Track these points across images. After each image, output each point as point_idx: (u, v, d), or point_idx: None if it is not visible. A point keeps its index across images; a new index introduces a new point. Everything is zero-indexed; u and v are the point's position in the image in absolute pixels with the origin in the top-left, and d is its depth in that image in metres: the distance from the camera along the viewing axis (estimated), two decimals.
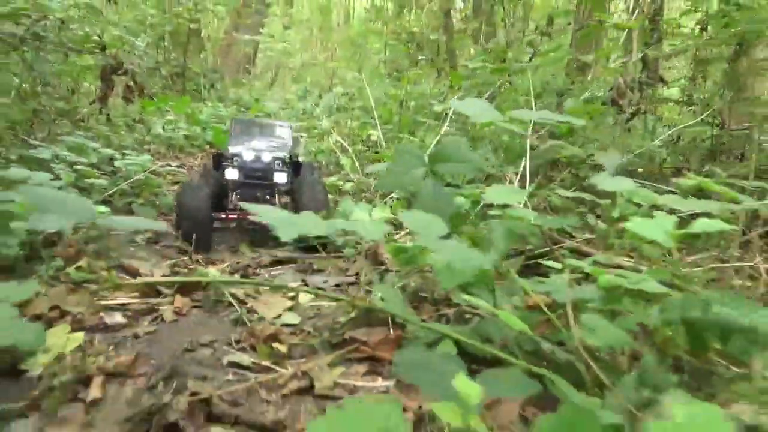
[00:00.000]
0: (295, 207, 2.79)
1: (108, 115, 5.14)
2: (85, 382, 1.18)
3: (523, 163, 2.32)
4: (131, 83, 4.94)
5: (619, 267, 1.53)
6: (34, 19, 3.81)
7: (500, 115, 1.48)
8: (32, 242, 1.85)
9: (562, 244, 2.06)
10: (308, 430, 0.68)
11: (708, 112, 3.13)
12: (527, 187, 2.18)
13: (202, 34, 12.63)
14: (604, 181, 1.72)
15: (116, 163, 3.22)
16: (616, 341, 1.10)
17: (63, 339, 1.29)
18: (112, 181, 3.04)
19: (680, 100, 4.44)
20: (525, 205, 1.91)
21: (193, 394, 1.16)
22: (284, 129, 3.48)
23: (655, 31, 3.24)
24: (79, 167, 2.90)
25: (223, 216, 2.80)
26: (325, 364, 1.36)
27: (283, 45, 17.79)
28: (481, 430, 0.83)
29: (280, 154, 3.00)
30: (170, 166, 4.68)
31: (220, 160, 3.07)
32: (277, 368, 1.36)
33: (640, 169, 2.85)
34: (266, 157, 2.93)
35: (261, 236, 2.88)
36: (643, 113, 3.09)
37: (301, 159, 3.50)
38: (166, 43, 10.52)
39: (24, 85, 3.96)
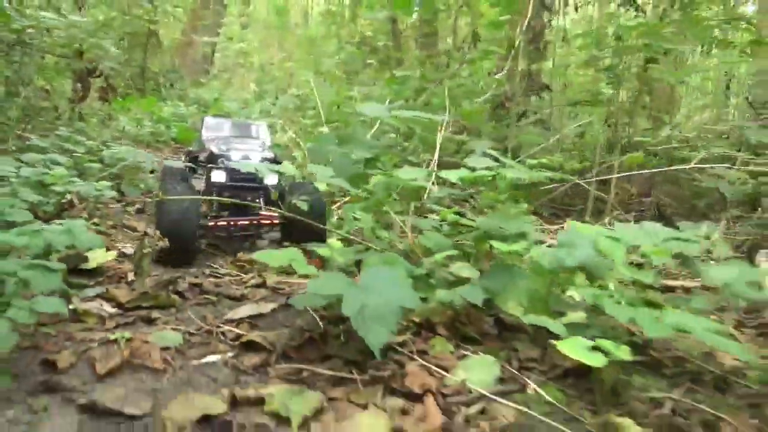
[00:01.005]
0: (288, 209, 2.51)
1: (80, 112, 5.77)
2: (124, 276, 1.95)
3: (436, 152, 3.13)
4: (105, 85, 5.61)
5: (460, 214, 2.36)
6: (23, 27, 4.45)
7: (387, 113, 2.28)
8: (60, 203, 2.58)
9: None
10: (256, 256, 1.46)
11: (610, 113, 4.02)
12: (433, 168, 3.00)
13: (160, 35, 13.12)
14: (471, 161, 2.57)
15: (103, 153, 3.89)
16: (441, 245, 1.93)
17: (102, 255, 2.04)
18: (101, 168, 3.72)
19: (584, 102, 5.40)
20: (433, 183, 2.73)
21: (190, 283, 1.95)
22: (261, 128, 3.29)
23: (537, 47, 4.12)
24: (76, 154, 3.59)
25: (211, 224, 2.54)
26: (272, 272, 2.15)
27: (240, 45, 18.35)
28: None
29: (268, 154, 2.80)
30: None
31: (194, 159, 2.88)
32: (242, 274, 2.15)
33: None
34: (254, 158, 2.69)
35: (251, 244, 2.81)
36: (533, 113, 3.99)
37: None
38: (126, 44, 11.01)
39: (12, 87, 4.58)
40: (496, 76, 3.83)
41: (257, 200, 2.69)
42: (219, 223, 2.55)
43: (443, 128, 3.08)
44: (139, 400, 1.15)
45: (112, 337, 1.42)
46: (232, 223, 2.58)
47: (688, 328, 1.29)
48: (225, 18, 18.22)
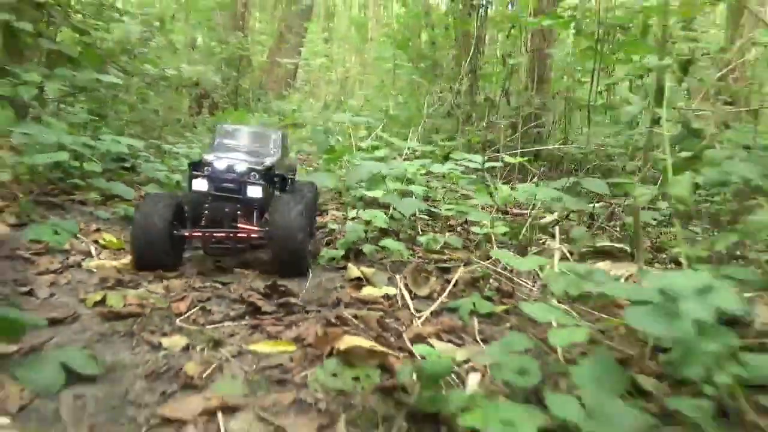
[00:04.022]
0: (269, 227, 2.47)
1: (194, 123, 8.38)
2: None
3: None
4: (211, 102, 8.20)
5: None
6: (162, 69, 7.06)
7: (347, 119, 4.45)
8: None
9: None
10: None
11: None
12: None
13: (251, 58, 15.97)
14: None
15: None
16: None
17: None
18: None
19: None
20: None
21: None
22: (274, 137, 3.18)
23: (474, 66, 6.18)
24: (195, 150, 6.04)
25: (186, 233, 2.52)
26: None
27: (321, 61, 21.13)
28: None
29: (259, 165, 2.68)
30: None
31: (195, 169, 2.70)
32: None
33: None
34: (240, 167, 2.62)
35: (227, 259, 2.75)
36: (479, 117, 6.03)
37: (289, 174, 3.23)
38: (224, 68, 13.90)
39: (155, 107, 7.19)
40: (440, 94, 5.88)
41: (237, 212, 2.61)
42: (194, 234, 2.53)
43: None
44: None
45: None
46: (206, 234, 2.54)
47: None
48: (306, 38, 21.00)
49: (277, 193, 2.89)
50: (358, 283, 2.37)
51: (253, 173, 2.64)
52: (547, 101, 6.54)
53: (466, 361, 1.62)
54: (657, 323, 1.05)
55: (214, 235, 2.56)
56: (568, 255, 2.21)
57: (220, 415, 1.28)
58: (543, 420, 1.07)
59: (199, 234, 2.55)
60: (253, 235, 2.55)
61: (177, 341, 1.68)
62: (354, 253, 2.76)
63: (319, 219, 3.74)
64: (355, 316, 1.93)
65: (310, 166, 6.34)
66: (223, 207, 2.60)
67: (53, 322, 1.71)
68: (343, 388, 1.43)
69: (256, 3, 21.64)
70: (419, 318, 1.97)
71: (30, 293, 1.95)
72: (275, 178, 2.83)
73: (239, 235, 2.55)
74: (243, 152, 2.92)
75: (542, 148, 5.03)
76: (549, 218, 4.01)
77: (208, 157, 2.68)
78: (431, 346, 1.71)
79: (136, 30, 5.97)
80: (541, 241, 3.43)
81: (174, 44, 10.18)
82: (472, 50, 5.74)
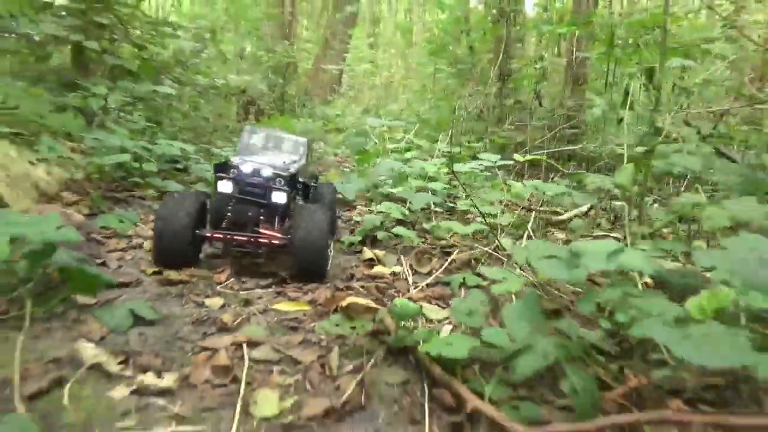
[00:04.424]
0: (292, 234, 2.47)
1: (241, 129, 8.98)
2: None
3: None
4: (257, 109, 8.77)
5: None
6: (212, 79, 7.66)
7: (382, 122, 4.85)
8: None
9: None
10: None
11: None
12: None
13: (297, 65, 16.64)
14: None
15: None
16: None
17: None
18: None
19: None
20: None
21: None
22: (299, 144, 3.25)
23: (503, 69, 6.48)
24: None
25: (208, 234, 2.55)
26: None
27: (365, 67, 21.66)
28: None
29: (284, 172, 2.73)
30: None
31: (220, 171, 2.73)
32: None
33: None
34: (266, 172, 2.66)
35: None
36: (509, 120, 6.33)
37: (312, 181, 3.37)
38: (270, 75, 14.58)
39: (205, 114, 7.80)
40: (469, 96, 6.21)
41: (260, 217, 2.65)
42: (215, 235, 2.55)
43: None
44: None
45: None
46: (228, 236, 2.54)
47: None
48: (350, 44, 21.58)
49: (299, 199, 2.95)
50: (371, 263, 2.78)
51: (278, 179, 2.67)
52: (584, 103, 6.79)
53: (446, 318, 2.01)
54: (560, 271, 1.41)
55: (236, 238, 2.53)
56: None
57: (245, 346, 1.71)
58: (476, 343, 1.45)
59: (221, 236, 2.55)
60: (274, 242, 2.53)
61: (216, 301, 2.13)
62: (370, 240, 3.16)
63: (347, 213, 4.16)
64: (362, 287, 2.35)
65: (346, 167, 6.79)
66: (247, 210, 2.62)
67: (121, 285, 2.20)
68: (342, 333, 1.83)
69: (303, 11, 22.44)
70: (415, 288, 2.36)
71: (103, 264, 2.45)
72: (298, 185, 2.87)
73: (261, 240, 2.53)
74: (269, 157, 2.97)
75: (564, 149, 5.32)
76: (567, 215, 4.30)
77: (235, 159, 2.73)
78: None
79: (188, 44, 6.55)
80: (550, 233, 3.75)
81: (224, 54, 10.89)
82: (501, 54, 6.08)
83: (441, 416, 1.38)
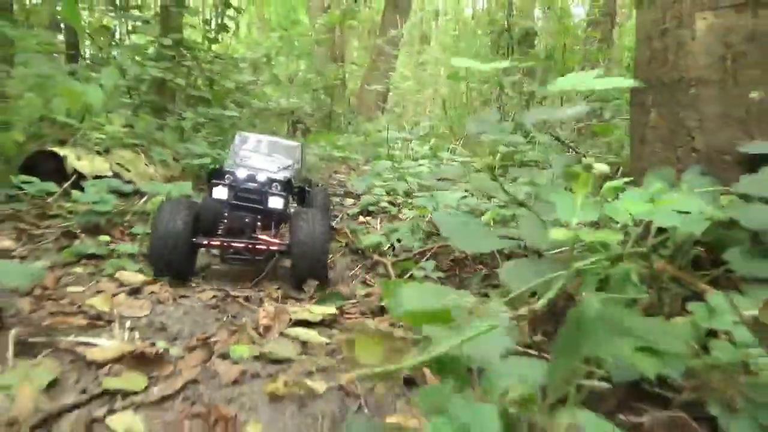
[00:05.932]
0: (291, 239, 2.43)
1: None
2: None
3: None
4: (304, 127, 10.55)
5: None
6: (267, 101, 9.47)
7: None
8: None
9: None
10: None
11: None
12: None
13: (346, 84, 18.49)
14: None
15: None
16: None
17: None
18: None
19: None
20: None
21: None
22: (293, 148, 3.26)
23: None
24: None
25: (205, 242, 2.46)
26: None
27: (408, 84, 23.30)
28: None
29: (280, 176, 2.73)
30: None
31: (215, 177, 2.71)
32: None
33: None
34: (262, 178, 2.65)
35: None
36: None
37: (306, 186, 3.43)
38: (320, 95, 16.43)
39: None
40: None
41: (257, 223, 2.64)
42: (212, 242, 2.48)
43: None
44: None
45: None
46: (225, 243, 2.49)
47: None
48: (395, 64, 23.26)
49: (294, 204, 3.13)
50: (363, 222, 4.37)
51: (275, 184, 2.71)
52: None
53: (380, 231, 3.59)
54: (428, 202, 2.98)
55: (233, 245, 2.50)
56: None
57: None
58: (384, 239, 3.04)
59: (218, 243, 2.49)
60: (272, 248, 2.53)
61: None
62: (366, 211, 4.75)
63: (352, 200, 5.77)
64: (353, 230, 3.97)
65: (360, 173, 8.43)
66: (243, 217, 2.61)
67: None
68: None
69: (354, 33, 24.28)
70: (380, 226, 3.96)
71: None
72: (294, 190, 3.01)
73: (259, 246, 2.52)
74: (263, 162, 3.02)
75: None
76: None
77: (229, 165, 2.74)
78: None
79: (247, 76, 8.38)
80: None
81: (277, 77, 12.77)
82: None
83: (363, 264, 2.98)
